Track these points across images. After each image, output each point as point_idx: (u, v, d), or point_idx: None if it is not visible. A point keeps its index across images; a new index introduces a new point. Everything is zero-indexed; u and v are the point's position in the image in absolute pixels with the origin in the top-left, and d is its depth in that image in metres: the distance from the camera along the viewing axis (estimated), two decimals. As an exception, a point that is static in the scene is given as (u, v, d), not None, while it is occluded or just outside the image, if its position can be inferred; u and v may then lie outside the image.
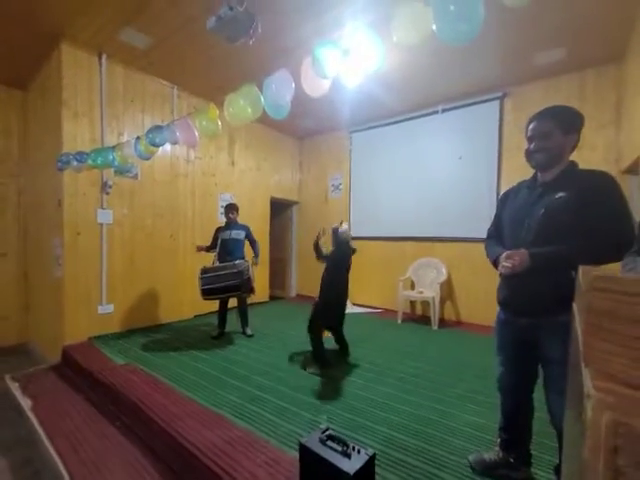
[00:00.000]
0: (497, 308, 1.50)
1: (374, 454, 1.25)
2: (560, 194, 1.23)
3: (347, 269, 3.07)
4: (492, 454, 1.57)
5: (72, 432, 2.14)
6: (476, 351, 3.23)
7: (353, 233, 5.59)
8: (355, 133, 5.56)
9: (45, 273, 3.61)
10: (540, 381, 1.37)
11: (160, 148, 2.20)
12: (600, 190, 1.19)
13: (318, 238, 3.07)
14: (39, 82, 3.74)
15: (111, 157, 2.32)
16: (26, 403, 2.54)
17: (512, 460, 1.52)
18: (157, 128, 1.96)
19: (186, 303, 4.28)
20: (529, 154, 1.37)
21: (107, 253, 3.52)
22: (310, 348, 2.86)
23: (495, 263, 1.41)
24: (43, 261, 3.66)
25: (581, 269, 0.61)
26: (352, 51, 1.36)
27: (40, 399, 2.59)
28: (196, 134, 1.79)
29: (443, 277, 4.44)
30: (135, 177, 3.74)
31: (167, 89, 4.10)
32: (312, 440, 1.32)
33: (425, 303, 4.64)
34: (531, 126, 1.36)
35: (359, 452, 1.24)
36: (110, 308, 3.56)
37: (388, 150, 5.18)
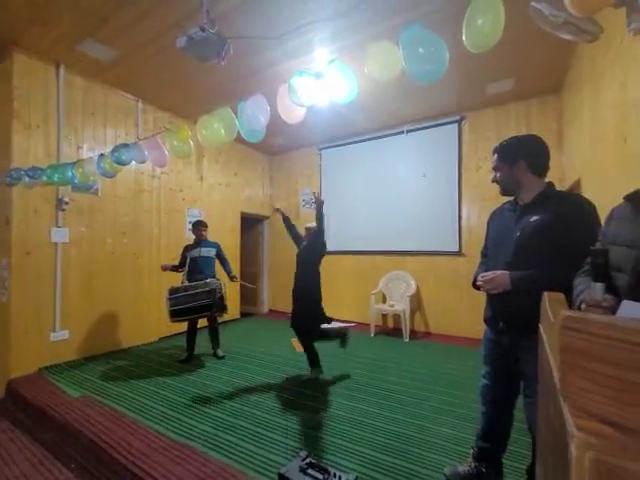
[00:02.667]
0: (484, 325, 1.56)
1: (356, 478, 1.24)
2: (535, 217, 1.28)
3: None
4: (465, 466, 1.62)
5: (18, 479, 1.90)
6: (447, 361, 3.34)
7: (325, 247, 5.66)
8: (325, 150, 5.68)
9: (-13, 298, 3.25)
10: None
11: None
12: (572, 217, 1.22)
13: (282, 214, 3.30)
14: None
15: (70, 174, 2.18)
16: (-39, 450, 2.22)
17: (484, 470, 1.57)
18: (124, 146, 1.87)
19: (150, 325, 4.04)
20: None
21: (62, 274, 3.25)
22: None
23: (473, 283, 1.47)
24: (-15, 285, 3.30)
25: (547, 298, 0.67)
26: (325, 77, 1.41)
27: (-22, 444, 2.28)
28: (166, 154, 1.73)
29: (412, 290, 4.58)
30: (95, 193, 3.53)
31: (131, 102, 3.96)
32: (292, 470, 1.29)
33: (396, 316, 4.75)
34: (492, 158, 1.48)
35: (340, 479, 1.22)
36: (65, 334, 3.26)
37: (357, 166, 5.34)
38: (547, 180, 1.39)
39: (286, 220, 3.34)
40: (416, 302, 4.69)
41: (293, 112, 1.40)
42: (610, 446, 0.31)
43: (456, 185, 4.51)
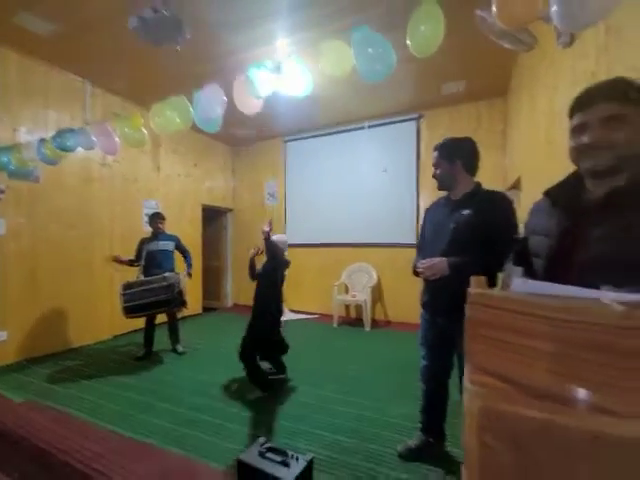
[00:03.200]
0: (420, 309, 1.71)
1: (312, 458, 1.31)
2: (466, 211, 1.47)
3: (281, 284, 2.79)
4: (415, 440, 1.77)
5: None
6: (403, 348, 3.54)
7: (290, 240, 5.67)
8: (290, 142, 5.65)
9: None
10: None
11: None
12: (496, 210, 1.43)
13: (254, 254, 2.75)
14: None
15: (5, 159, 1.98)
16: None
17: (431, 440, 1.74)
18: (69, 131, 1.74)
19: (103, 322, 3.82)
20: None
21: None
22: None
23: (413, 270, 1.60)
24: None
25: (472, 280, 0.77)
26: (283, 70, 1.42)
27: None
28: (117, 141, 1.64)
29: (374, 281, 4.76)
30: (36, 180, 3.23)
31: (77, 84, 3.65)
32: (250, 455, 1.32)
33: (358, 306, 4.91)
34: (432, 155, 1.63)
35: (297, 460, 1.28)
36: (3, 335, 2.99)
37: (321, 160, 5.39)
38: (476, 180, 1.60)
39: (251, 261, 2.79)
40: (377, 293, 4.89)
41: (250, 103, 1.40)
42: (494, 394, 0.39)
43: (415, 181, 4.73)
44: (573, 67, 1.85)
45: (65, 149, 1.75)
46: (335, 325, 4.57)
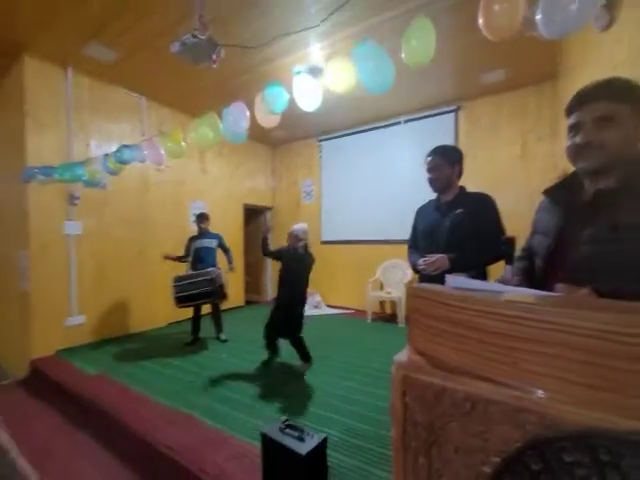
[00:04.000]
0: None
1: (325, 437, 1.43)
2: (459, 210, 1.58)
3: (303, 274, 2.87)
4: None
5: (43, 443, 2.18)
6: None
7: (325, 237, 5.83)
8: (324, 141, 5.78)
9: (10, 286, 3.55)
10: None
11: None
12: (486, 209, 1.59)
13: (265, 233, 3.08)
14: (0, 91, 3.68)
15: (80, 172, 2.38)
16: (-7, 418, 2.52)
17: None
18: (126, 147, 2.05)
19: (159, 311, 4.30)
20: (429, 182, 1.71)
21: (76, 264, 3.52)
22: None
23: (414, 268, 1.69)
24: (7, 274, 3.59)
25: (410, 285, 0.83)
26: (321, 71, 1.53)
27: (9, 414, 2.58)
28: (162, 153, 1.90)
29: (408, 277, 4.72)
30: (103, 188, 3.74)
31: (135, 99, 4.14)
32: (272, 429, 1.49)
33: (393, 302, 4.91)
34: (427, 160, 1.69)
35: (312, 437, 1.42)
36: (81, 319, 3.55)
37: (356, 157, 5.44)
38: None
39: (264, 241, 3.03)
40: (412, 289, 4.84)
41: (267, 118, 1.55)
42: (412, 366, 0.48)
43: (452, 175, 4.58)
44: (611, 51, 1.72)
45: (123, 162, 2.07)
46: (369, 321, 4.63)
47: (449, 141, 4.61)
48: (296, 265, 2.83)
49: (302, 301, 2.89)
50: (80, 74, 3.59)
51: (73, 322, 3.50)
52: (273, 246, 3.15)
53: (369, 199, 5.31)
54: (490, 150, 4.36)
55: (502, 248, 1.53)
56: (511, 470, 0.38)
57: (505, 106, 4.23)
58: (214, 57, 2.10)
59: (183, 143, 1.80)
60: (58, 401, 2.69)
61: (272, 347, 3.01)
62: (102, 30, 2.92)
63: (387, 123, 5.08)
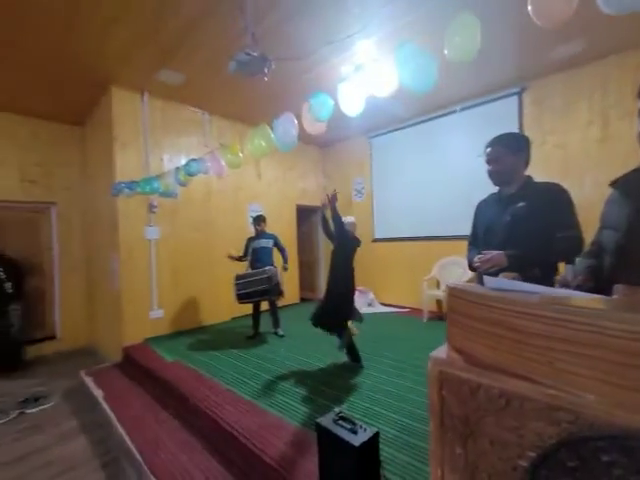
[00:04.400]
0: None
1: (377, 432, 1.47)
2: (521, 204, 1.44)
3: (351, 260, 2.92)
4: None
5: (136, 417, 2.57)
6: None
7: (377, 235, 5.78)
8: (374, 138, 5.73)
9: (105, 285, 4.20)
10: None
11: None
12: (554, 202, 1.41)
13: (326, 206, 2.83)
14: (94, 119, 4.37)
15: (156, 185, 2.74)
16: (99, 393, 3.04)
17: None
18: (193, 161, 2.32)
19: (224, 307, 4.70)
20: (489, 175, 1.59)
21: (156, 265, 4.03)
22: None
23: (471, 265, 1.62)
24: (103, 275, 4.26)
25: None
26: (366, 71, 1.56)
27: (109, 390, 3.09)
28: (223, 165, 2.11)
29: (468, 275, 4.46)
30: (175, 197, 4.21)
31: (198, 115, 4.57)
32: (326, 420, 1.57)
33: (451, 301, 4.69)
34: (486, 151, 1.57)
35: (365, 430, 1.47)
36: (160, 313, 4.06)
37: (408, 151, 5.30)
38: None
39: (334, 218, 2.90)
40: (472, 288, 4.57)
41: (314, 126, 1.63)
42: (451, 363, 0.51)
43: (515, 164, 4.22)
44: None
45: (191, 174, 2.34)
46: (425, 320, 4.50)
47: (512, 128, 4.24)
48: (344, 242, 2.90)
49: (348, 286, 2.90)
50: (154, 97, 4.09)
51: (155, 315, 4.02)
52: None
53: (423, 195, 5.13)
54: (561, 134, 3.91)
55: (574, 245, 1.33)
56: (547, 465, 0.39)
57: (580, 82, 3.75)
58: (266, 71, 2.25)
59: (240, 154, 1.98)
60: (145, 382, 3.13)
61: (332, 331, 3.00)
62: (170, 57, 3.30)
63: (441, 113, 4.86)
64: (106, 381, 3.32)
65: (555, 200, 1.43)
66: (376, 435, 1.47)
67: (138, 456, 2.09)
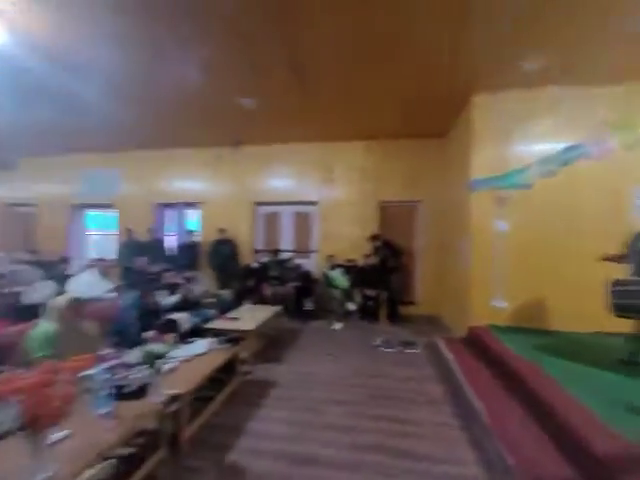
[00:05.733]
0: None
1: None
2: None
3: None
4: None
5: (478, 382, 2.87)
6: None
7: None
8: None
9: (454, 268, 4.89)
10: None
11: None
12: None
13: None
14: (456, 129, 5.12)
15: (515, 179, 2.80)
16: (449, 355, 3.68)
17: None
18: (569, 149, 2.11)
19: (585, 316, 3.86)
20: None
21: (503, 257, 4.10)
22: None
23: None
24: (453, 259, 4.98)
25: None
26: None
27: (456, 355, 3.65)
28: (611, 146, 1.75)
29: None
30: (529, 188, 4.00)
31: (555, 95, 3.98)
32: None
33: None
34: None
35: None
36: (503, 304, 4.12)
37: None
38: None
39: None
40: None
41: None
42: None
43: None
44: None
45: (566, 163, 2.14)
46: None
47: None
48: None
49: None
50: (507, 90, 4.07)
51: (497, 304, 4.14)
52: None
53: None
54: None
55: None
56: None
57: None
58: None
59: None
60: (488, 362, 3.35)
61: None
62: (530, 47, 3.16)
63: None
64: (455, 349, 3.91)
65: None
66: None
67: (484, 417, 2.37)
